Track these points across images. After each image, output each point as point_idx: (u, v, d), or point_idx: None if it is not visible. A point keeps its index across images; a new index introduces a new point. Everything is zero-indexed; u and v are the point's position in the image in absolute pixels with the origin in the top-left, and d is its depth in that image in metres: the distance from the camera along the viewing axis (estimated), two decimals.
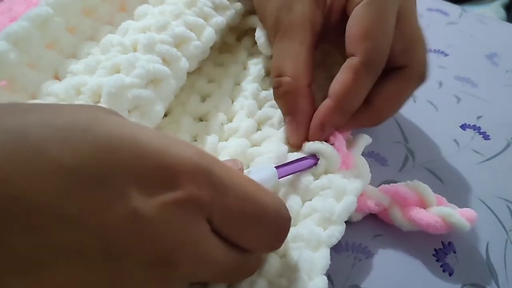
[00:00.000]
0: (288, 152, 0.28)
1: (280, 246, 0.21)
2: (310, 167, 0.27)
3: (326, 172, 0.27)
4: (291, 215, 0.23)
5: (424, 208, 0.26)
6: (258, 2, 0.31)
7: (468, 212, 0.26)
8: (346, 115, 0.27)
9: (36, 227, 0.14)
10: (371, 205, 0.26)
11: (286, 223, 0.21)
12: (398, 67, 0.28)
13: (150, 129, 0.18)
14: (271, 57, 0.33)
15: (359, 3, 0.27)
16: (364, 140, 0.29)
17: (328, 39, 0.31)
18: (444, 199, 0.27)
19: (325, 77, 0.33)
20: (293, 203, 0.26)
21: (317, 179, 0.27)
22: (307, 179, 0.26)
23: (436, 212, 0.26)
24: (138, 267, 0.16)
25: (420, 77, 0.28)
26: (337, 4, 0.29)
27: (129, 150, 0.16)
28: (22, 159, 0.15)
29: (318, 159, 0.27)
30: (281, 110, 0.29)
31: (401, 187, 0.27)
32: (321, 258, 0.23)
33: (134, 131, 0.17)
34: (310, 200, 0.26)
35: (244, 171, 0.24)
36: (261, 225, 0.19)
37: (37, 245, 0.15)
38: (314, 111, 0.28)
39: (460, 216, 0.25)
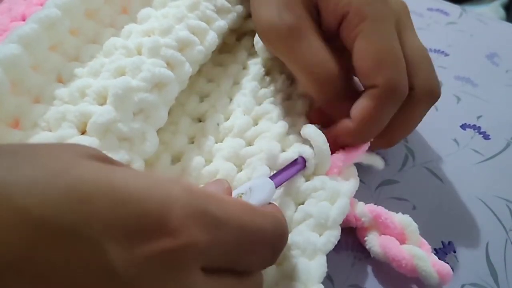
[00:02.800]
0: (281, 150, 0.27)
1: (275, 261, 0.20)
2: (301, 170, 0.26)
3: (315, 174, 0.27)
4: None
5: (402, 244, 0.25)
6: (254, 9, 0.30)
7: (444, 267, 0.24)
8: (365, 140, 0.27)
9: None
10: (349, 214, 0.25)
11: (282, 240, 0.20)
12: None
13: (130, 171, 0.17)
14: (271, 58, 0.33)
15: (357, 32, 0.26)
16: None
17: None
18: (428, 246, 0.25)
19: None
20: (286, 208, 0.25)
21: (308, 180, 0.26)
22: (298, 180, 0.26)
23: (409, 250, 0.24)
24: None
25: (431, 97, 0.28)
26: (330, 19, 0.28)
27: (105, 197, 0.15)
28: None
29: (306, 161, 0.26)
30: (316, 94, 0.28)
31: (387, 214, 0.26)
32: (318, 266, 0.22)
33: (111, 175, 0.15)
34: (303, 203, 0.26)
35: (242, 186, 0.23)
36: (257, 249, 0.19)
37: None
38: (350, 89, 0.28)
39: (431, 265, 0.23)
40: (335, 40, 0.28)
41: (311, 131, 0.27)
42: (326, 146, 0.26)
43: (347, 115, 0.27)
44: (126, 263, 0.14)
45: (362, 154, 0.28)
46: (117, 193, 0.15)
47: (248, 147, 0.28)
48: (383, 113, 0.26)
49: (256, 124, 0.30)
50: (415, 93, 0.27)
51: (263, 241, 0.19)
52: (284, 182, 0.25)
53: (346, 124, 0.27)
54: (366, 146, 0.28)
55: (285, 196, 0.26)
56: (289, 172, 0.26)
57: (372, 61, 0.26)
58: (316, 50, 0.27)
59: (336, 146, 0.27)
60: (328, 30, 0.28)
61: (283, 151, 0.27)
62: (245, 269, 0.19)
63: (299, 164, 0.26)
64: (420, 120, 0.29)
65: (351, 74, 0.29)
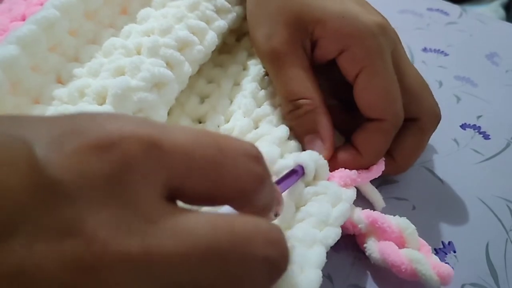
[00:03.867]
0: (281, 153, 0.27)
1: (253, 185, 0.17)
2: (297, 179, 0.26)
3: (316, 179, 0.27)
4: (285, 220, 0.23)
5: (402, 247, 0.25)
6: (250, 27, 0.32)
7: (444, 267, 0.23)
8: (369, 166, 0.28)
9: None
10: (347, 222, 0.25)
11: (251, 155, 0.17)
12: (411, 119, 0.29)
13: None
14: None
15: (362, 66, 0.27)
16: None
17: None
18: (428, 248, 0.25)
19: (323, 79, 0.33)
20: (287, 208, 0.25)
21: (309, 185, 0.26)
22: (299, 186, 0.26)
23: (407, 254, 0.24)
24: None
25: (435, 123, 0.30)
26: (328, 47, 0.29)
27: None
28: None
29: (304, 169, 0.26)
30: (299, 130, 0.29)
31: (383, 219, 0.25)
32: (316, 254, 0.22)
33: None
34: (304, 205, 0.26)
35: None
36: (232, 162, 0.16)
37: None
38: (332, 125, 0.29)
39: (430, 268, 0.23)
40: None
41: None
42: (319, 156, 0.27)
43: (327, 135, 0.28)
44: (55, 161, 0.13)
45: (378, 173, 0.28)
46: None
47: None
48: (389, 143, 0.28)
49: (257, 127, 0.30)
50: (423, 122, 0.29)
51: (236, 154, 0.16)
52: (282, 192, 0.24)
53: (354, 156, 0.28)
54: (380, 170, 0.28)
55: (286, 199, 0.25)
56: (286, 183, 0.25)
57: (381, 97, 0.27)
58: (297, 80, 0.29)
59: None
60: (324, 56, 0.29)
61: (282, 155, 0.27)
62: (220, 196, 0.16)
63: (296, 175, 0.26)
64: (426, 144, 0.30)
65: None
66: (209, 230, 0.14)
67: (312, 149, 0.28)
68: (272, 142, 0.28)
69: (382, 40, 0.27)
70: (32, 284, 0.12)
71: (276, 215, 0.21)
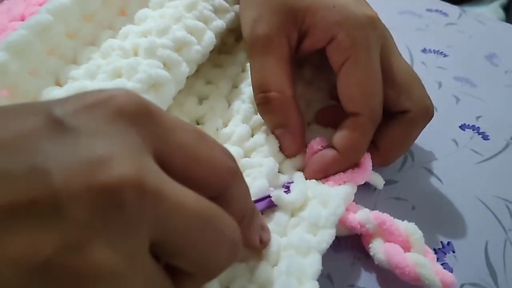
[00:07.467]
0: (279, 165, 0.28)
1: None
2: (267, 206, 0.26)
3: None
4: (280, 229, 0.24)
5: (407, 251, 0.25)
6: (240, 11, 0.31)
7: (448, 275, 0.24)
8: (352, 164, 0.28)
9: None
10: (354, 221, 0.25)
11: (227, 152, 0.19)
12: (401, 111, 0.28)
13: None
14: None
15: (347, 57, 0.27)
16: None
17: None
18: (433, 256, 0.25)
19: (323, 79, 0.33)
20: (281, 216, 0.25)
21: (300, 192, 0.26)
22: (288, 196, 0.26)
23: (412, 257, 0.24)
24: None
25: (426, 117, 0.29)
26: (318, 36, 0.28)
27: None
28: None
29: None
30: (269, 124, 0.29)
31: (392, 221, 0.25)
32: (311, 263, 0.22)
33: None
34: (300, 212, 0.26)
35: None
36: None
37: None
38: (302, 119, 0.29)
39: (434, 273, 0.23)
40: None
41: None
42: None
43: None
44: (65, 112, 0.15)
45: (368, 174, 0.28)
46: None
47: (248, 159, 0.28)
48: (367, 139, 0.28)
49: (253, 134, 0.30)
50: (411, 115, 0.28)
51: (214, 144, 0.18)
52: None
53: (332, 155, 0.27)
54: (370, 165, 0.28)
55: (278, 210, 0.26)
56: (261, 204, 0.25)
57: (359, 90, 0.27)
58: (271, 70, 0.28)
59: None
60: (313, 45, 0.29)
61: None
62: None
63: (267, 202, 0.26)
64: (414, 140, 0.29)
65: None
66: None
67: (282, 143, 0.28)
68: (271, 151, 0.28)
69: (370, 33, 0.27)
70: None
71: (262, 242, 0.22)
